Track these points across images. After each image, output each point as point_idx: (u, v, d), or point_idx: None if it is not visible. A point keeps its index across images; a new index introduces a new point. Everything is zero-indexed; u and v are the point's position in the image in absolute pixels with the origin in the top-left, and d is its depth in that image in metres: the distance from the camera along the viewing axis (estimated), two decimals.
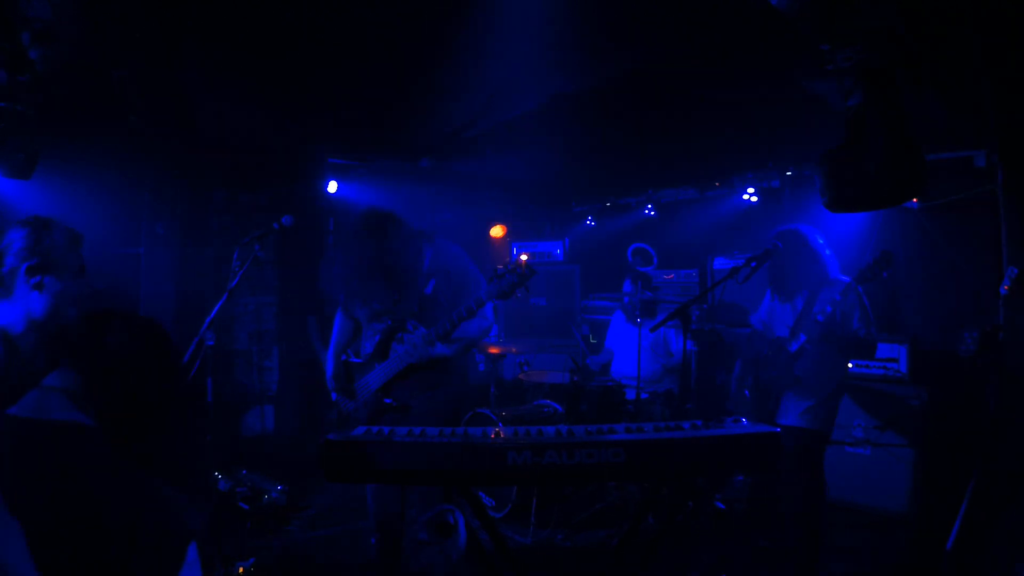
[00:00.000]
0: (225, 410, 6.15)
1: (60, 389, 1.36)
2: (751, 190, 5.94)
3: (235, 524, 4.27)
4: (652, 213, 6.97)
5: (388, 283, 3.08)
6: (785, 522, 3.46)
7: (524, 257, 7.70)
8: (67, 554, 1.16)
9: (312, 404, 6.12)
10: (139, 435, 1.42)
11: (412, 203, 6.72)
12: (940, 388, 4.47)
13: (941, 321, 4.72)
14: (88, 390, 1.37)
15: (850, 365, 4.56)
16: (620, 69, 3.75)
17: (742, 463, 2.44)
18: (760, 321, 3.79)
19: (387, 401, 3.14)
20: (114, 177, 4.95)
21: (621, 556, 2.45)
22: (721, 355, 5.42)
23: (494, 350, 5.44)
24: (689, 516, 4.21)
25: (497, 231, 7.76)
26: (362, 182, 6.33)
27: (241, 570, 3.58)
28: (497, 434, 2.13)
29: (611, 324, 5.70)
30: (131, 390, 1.42)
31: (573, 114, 4.57)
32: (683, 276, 6.38)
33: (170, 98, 4.07)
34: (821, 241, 3.51)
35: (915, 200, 4.70)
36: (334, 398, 3.40)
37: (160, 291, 5.27)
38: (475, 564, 2.67)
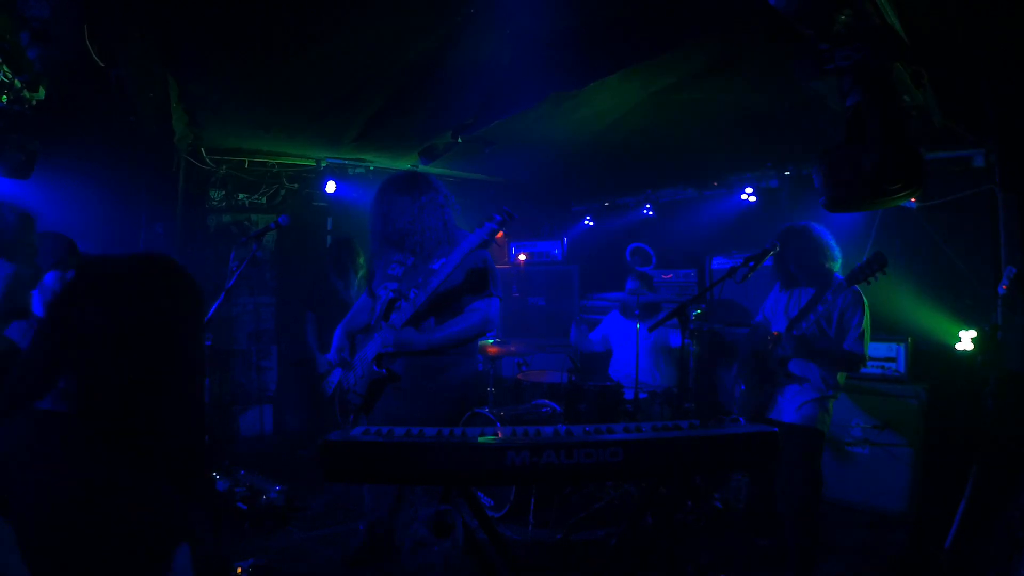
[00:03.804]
0: (223, 410, 6.15)
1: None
2: (749, 190, 5.94)
3: (233, 524, 4.27)
4: (651, 213, 6.97)
5: (406, 244, 3.21)
6: (782, 521, 3.46)
7: (523, 257, 7.68)
8: (50, 556, 1.10)
9: (311, 404, 6.12)
10: (137, 428, 1.28)
11: None
12: (938, 387, 4.48)
13: (939, 321, 4.73)
14: (78, 377, 1.23)
15: None
16: (618, 68, 3.75)
17: (740, 462, 2.44)
18: (763, 314, 3.79)
19: (375, 369, 3.16)
20: (113, 177, 4.95)
21: (620, 555, 2.45)
22: (720, 355, 5.43)
23: (492, 350, 5.43)
24: (687, 515, 4.22)
25: None
26: (360, 182, 6.34)
27: (239, 570, 3.58)
28: (496, 434, 2.13)
29: (604, 321, 5.70)
30: (134, 378, 1.26)
31: (571, 113, 4.57)
32: (682, 276, 6.38)
33: (168, 97, 4.07)
34: (830, 238, 3.51)
35: (913, 200, 4.70)
36: (333, 377, 3.43)
37: None
38: (473, 563, 2.67)
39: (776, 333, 3.50)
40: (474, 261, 3.12)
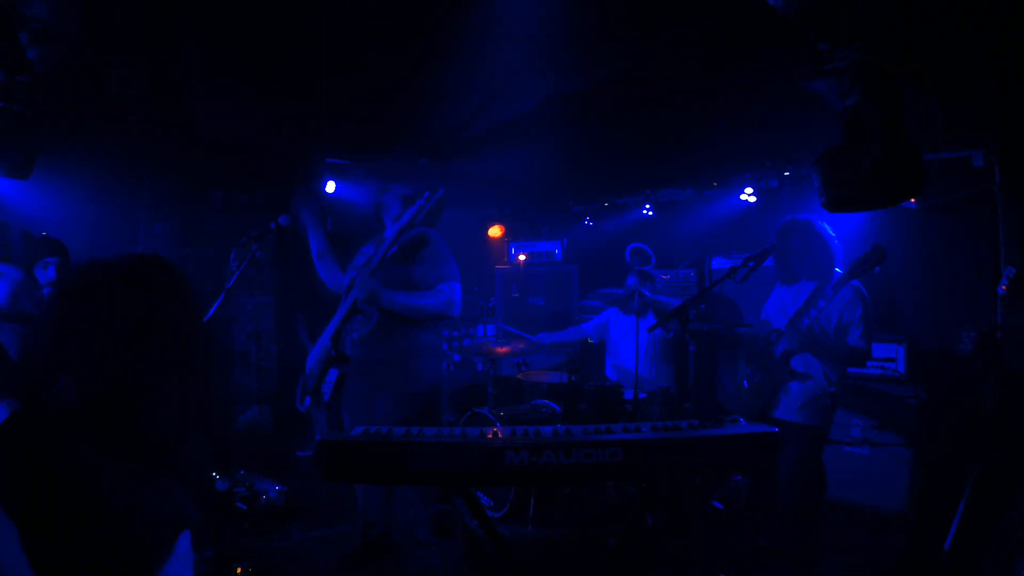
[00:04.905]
0: (223, 410, 6.15)
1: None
2: (749, 190, 5.93)
3: (233, 524, 4.27)
4: (650, 213, 6.97)
5: (369, 236, 3.48)
6: (782, 519, 3.46)
7: (523, 257, 7.68)
8: (54, 545, 1.14)
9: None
10: (130, 420, 1.31)
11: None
12: (938, 388, 4.47)
13: (938, 321, 4.73)
14: (71, 369, 1.27)
15: None
16: (617, 69, 3.76)
17: (739, 463, 2.44)
18: (766, 314, 3.79)
19: (327, 346, 3.24)
20: (112, 177, 4.95)
21: (619, 556, 2.45)
22: (720, 355, 5.42)
23: (494, 350, 5.43)
24: (687, 515, 4.22)
25: (495, 231, 7.76)
26: (360, 182, 6.33)
27: (239, 570, 3.58)
28: (495, 434, 2.12)
29: (602, 314, 5.69)
30: (123, 365, 1.28)
31: (571, 114, 4.58)
32: (681, 276, 6.39)
33: (168, 98, 4.07)
34: (832, 233, 3.51)
35: (913, 200, 4.70)
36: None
37: None
38: (472, 564, 2.67)
39: (778, 330, 3.50)
40: (409, 236, 3.33)
